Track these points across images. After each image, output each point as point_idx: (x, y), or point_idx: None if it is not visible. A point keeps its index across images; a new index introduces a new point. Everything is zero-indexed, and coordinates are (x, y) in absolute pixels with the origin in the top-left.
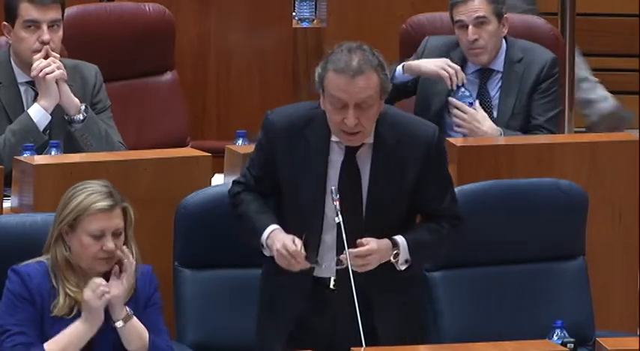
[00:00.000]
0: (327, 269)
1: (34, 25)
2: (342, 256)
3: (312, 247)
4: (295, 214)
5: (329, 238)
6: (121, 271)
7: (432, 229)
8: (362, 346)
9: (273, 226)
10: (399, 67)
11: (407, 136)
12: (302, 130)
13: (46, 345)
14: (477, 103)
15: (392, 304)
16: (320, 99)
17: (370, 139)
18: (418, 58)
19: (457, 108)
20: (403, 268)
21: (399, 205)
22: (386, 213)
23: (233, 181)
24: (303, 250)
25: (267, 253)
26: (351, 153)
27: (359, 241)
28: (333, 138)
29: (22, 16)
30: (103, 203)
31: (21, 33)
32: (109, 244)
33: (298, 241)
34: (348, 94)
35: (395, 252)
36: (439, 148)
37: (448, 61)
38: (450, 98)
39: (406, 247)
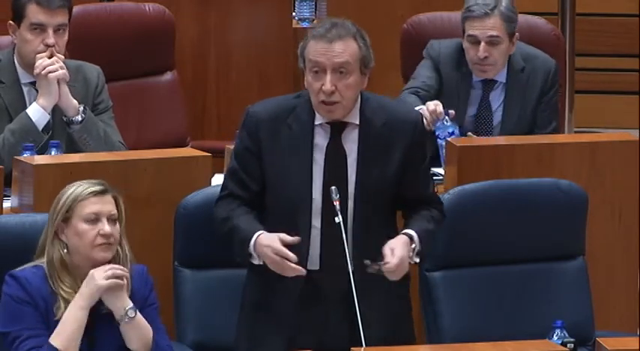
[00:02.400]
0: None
1: (40, 28)
2: (366, 261)
3: (302, 233)
4: (283, 202)
5: (318, 222)
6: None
7: (428, 217)
8: (361, 346)
9: (258, 232)
10: None
11: (392, 118)
12: (285, 119)
13: (51, 340)
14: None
15: (381, 301)
16: (303, 82)
17: (355, 120)
18: (434, 62)
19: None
20: (417, 260)
21: (386, 190)
22: (373, 197)
23: (217, 200)
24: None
25: (256, 262)
26: (336, 134)
27: (384, 252)
28: (317, 121)
29: (29, 18)
30: (95, 188)
31: (26, 34)
32: (106, 227)
33: (284, 236)
34: (325, 57)
35: (413, 246)
36: (423, 132)
37: (433, 105)
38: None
39: (417, 239)
